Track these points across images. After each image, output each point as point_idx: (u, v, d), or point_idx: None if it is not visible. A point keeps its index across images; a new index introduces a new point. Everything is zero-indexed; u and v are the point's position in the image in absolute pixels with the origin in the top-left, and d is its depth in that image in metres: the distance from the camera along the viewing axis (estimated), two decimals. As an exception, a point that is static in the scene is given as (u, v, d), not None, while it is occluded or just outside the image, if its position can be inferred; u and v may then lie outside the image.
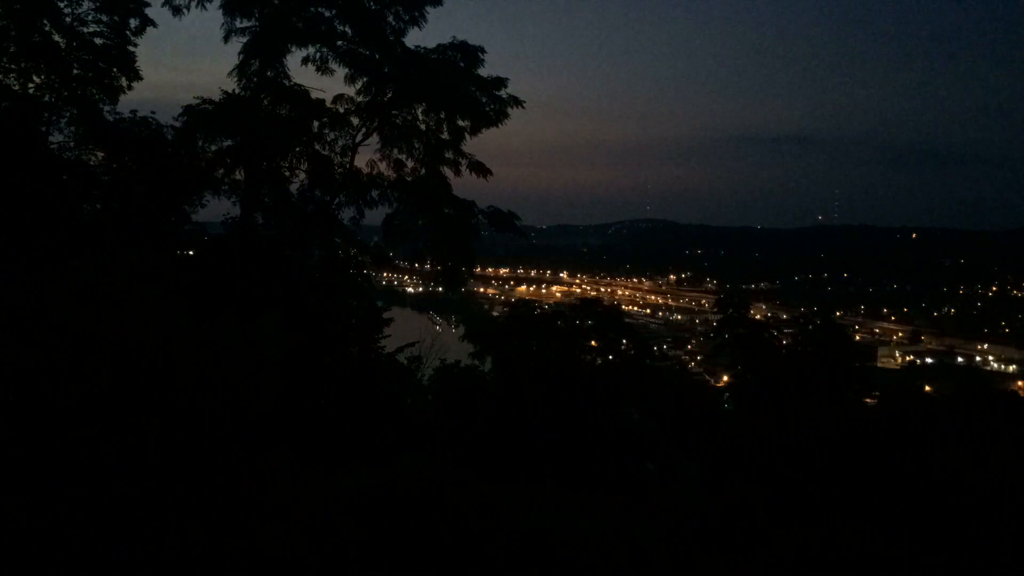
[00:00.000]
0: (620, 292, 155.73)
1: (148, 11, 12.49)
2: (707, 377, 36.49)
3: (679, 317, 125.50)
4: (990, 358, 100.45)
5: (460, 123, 13.60)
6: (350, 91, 13.60)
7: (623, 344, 20.00)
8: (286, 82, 13.17)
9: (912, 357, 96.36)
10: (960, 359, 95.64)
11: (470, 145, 13.77)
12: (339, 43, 13.29)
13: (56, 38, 11.75)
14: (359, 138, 13.80)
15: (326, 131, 13.53)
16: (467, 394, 14.45)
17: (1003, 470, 9.99)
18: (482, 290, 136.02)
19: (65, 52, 11.79)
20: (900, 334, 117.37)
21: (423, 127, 13.75)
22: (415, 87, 13.19)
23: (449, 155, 13.79)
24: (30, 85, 11.58)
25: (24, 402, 5.60)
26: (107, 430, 5.40)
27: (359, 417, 10.36)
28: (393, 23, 13.40)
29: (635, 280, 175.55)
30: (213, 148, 12.75)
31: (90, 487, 5.11)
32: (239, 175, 13.04)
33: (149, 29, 12.54)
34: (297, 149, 13.30)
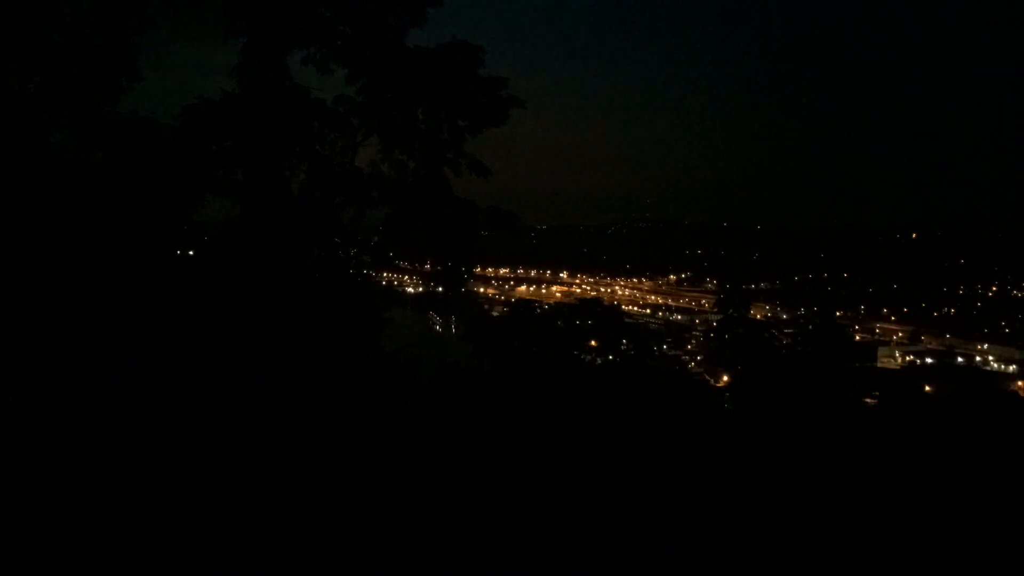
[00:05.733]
0: (620, 292, 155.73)
1: (148, 11, 12.46)
2: (707, 377, 36.51)
3: (679, 317, 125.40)
4: (990, 358, 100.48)
5: (460, 123, 13.58)
6: (350, 91, 13.57)
7: (623, 344, 20.01)
8: (286, 82, 13.16)
9: (912, 357, 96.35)
10: (960, 359, 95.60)
11: (470, 145, 13.76)
12: (339, 43, 13.26)
13: (56, 38, 11.73)
14: (359, 138, 13.78)
15: (326, 131, 13.51)
16: (467, 395, 14.46)
17: (1003, 470, 10.00)
18: (482, 290, 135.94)
19: (65, 52, 11.77)
20: (900, 334, 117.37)
21: (423, 127, 13.73)
22: (415, 87, 13.17)
23: (449, 155, 13.77)
24: (30, 85, 11.57)
25: (26, 401, 5.62)
26: (112, 427, 5.42)
27: (358, 418, 10.36)
28: (393, 23, 13.37)
29: (635, 280, 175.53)
30: (213, 148, 12.72)
31: (93, 483, 5.12)
32: (239, 175, 13.03)
33: (149, 29, 12.50)
34: (297, 149, 13.28)
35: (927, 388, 31.14)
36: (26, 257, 8.70)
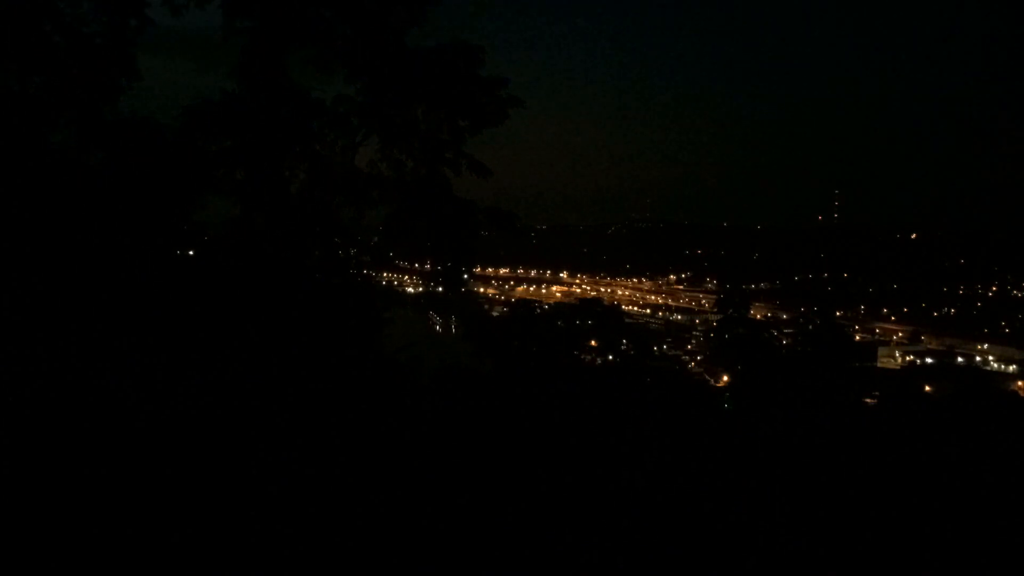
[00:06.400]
0: (620, 292, 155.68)
1: (148, 11, 12.45)
2: (707, 377, 36.50)
3: (679, 317, 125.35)
4: (990, 358, 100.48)
5: (460, 123, 13.58)
6: (350, 91, 13.56)
7: (623, 344, 20.04)
8: (286, 82, 13.15)
9: (912, 357, 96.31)
10: (960, 359, 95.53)
11: (470, 145, 13.75)
12: (339, 43, 13.25)
13: (56, 38, 11.72)
14: (359, 138, 13.77)
15: (326, 131, 13.50)
16: (467, 395, 14.46)
17: (1003, 470, 10.00)
18: (482, 290, 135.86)
19: (65, 52, 11.76)
20: (900, 334, 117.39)
21: (423, 127, 13.72)
22: (415, 87, 13.16)
23: (449, 155, 13.76)
24: (30, 85, 11.56)
25: (26, 400, 5.62)
26: (111, 427, 5.42)
27: (358, 418, 10.36)
28: (393, 23, 13.36)
29: (635, 280, 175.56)
30: (213, 148, 12.72)
31: (93, 483, 5.12)
32: (239, 175, 13.02)
33: (149, 29, 12.49)
34: (297, 149, 13.28)
35: (927, 388, 31.16)
36: (26, 257, 8.70)
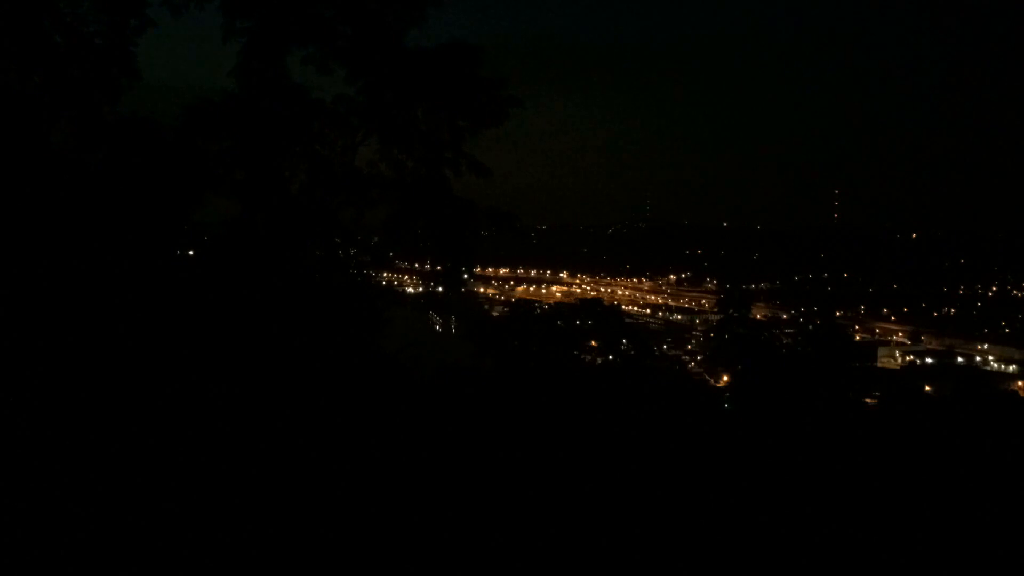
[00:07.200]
0: (620, 292, 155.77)
1: (148, 11, 12.44)
2: (707, 377, 36.50)
3: (679, 317, 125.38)
4: (990, 358, 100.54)
5: (460, 123, 13.58)
6: (350, 91, 13.56)
7: (623, 344, 20.05)
8: (286, 82, 13.15)
9: (912, 357, 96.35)
10: (960, 359, 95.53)
11: (470, 145, 13.76)
12: (339, 43, 13.25)
13: (56, 38, 11.71)
14: (359, 138, 13.78)
15: (326, 131, 13.50)
16: (467, 395, 14.46)
17: (1003, 470, 10.00)
18: (482, 290, 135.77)
19: (65, 52, 11.76)
20: (900, 334, 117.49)
21: (423, 127, 13.72)
22: (415, 87, 13.17)
23: (449, 155, 13.76)
24: (30, 85, 11.55)
25: (28, 397, 5.62)
26: (111, 426, 5.42)
27: (358, 418, 10.36)
28: (393, 23, 13.36)
29: (635, 280, 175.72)
30: (213, 148, 12.72)
31: (93, 482, 5.12)
32: (239, 175, 13.02)
33: (149, 29, 12.49)
34: (297, 149, 13.27)
35: (927, 388, 31.19)
36: (26, 256, 8.70)
